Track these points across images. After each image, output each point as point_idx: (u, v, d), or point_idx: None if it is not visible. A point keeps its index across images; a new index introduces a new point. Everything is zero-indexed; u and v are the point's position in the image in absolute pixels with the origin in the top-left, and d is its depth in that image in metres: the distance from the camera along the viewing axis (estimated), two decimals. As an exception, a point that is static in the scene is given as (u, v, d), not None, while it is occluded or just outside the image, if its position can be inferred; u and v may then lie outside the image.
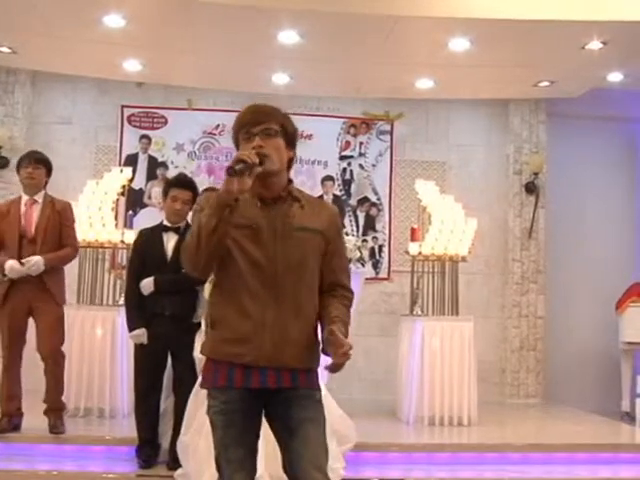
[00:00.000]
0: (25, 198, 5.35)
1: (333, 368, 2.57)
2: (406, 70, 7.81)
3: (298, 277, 2.63)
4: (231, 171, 2.48)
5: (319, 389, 2.71)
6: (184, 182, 5.01)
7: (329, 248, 2.73)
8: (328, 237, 2.72)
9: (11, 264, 5.12)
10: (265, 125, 2.64)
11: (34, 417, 5.33)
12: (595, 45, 6.88)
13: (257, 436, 2.69)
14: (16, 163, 5.45)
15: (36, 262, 5.12)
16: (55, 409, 5.36)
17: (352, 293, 2.82)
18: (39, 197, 5.35)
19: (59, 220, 5.33)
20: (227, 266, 2.62)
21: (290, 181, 2.75)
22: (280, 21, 6.63)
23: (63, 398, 5.49)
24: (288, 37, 6.94)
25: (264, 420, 2.71)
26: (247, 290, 2.59)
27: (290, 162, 2.75)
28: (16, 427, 5.31)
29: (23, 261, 5.12)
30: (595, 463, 5.53)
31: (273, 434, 2.70)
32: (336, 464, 4.55)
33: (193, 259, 2.57)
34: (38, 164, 5.35)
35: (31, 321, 5.35)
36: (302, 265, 2.65)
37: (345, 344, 2.53)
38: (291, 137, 2.72)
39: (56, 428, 5.28)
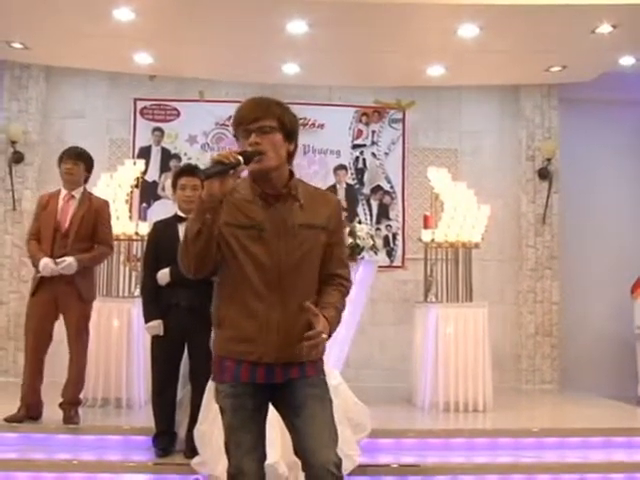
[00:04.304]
0: (63, 193, 5.42)
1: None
2: (417, 58, 7.82)
3: (301, 274, 2.65)
4: (203, 176, 2.46)
5: (324, 373, 2.74)
6: (190, 169, 5.03)
7: (331, 240, 2.75)
8: (330, 230, 2.74)
9: (45, 262, 5.18)
10: (261, 122, 2.63)
11: (54, 408, 5.38)
12: (605, 29, 6.86)
13: (264, 420, 2.72)
14: (57, 158, 5.49)
15: (69, 264, 5.20)
16: (71, 403, 5.40)
17: (350, 282, 2.84)
18: (77, 193, 5.42)
19: (95, 217, 5.40)
20: (230, 266, 2.64)
21: (292, 174, 2.74)
22: (289, 11, 6.66)
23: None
24: (297, 27, 6.96)
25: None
26: (251, 290, 2.61)
27: (291, 155, 2.74)
28: (37, 417, 5.37)
29: (57, 261, 5.19)
30: (610, 447, 5.50)
31: (280, 417, 2.73)
32: (351, 451, 4.58)
33: (183, 262, 2.60)
34: (77, 160, 5.42)
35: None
36: (305, 262, 2.67)
37: (316, 335, 2.53)
38: (290, 130, 2.71)
39: (70, 419, 5.32)
